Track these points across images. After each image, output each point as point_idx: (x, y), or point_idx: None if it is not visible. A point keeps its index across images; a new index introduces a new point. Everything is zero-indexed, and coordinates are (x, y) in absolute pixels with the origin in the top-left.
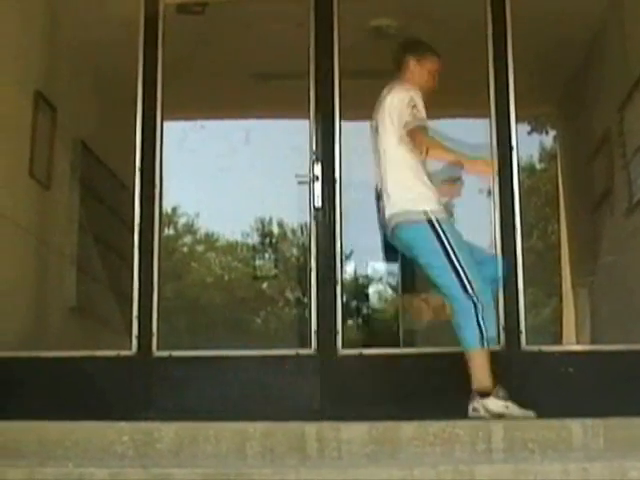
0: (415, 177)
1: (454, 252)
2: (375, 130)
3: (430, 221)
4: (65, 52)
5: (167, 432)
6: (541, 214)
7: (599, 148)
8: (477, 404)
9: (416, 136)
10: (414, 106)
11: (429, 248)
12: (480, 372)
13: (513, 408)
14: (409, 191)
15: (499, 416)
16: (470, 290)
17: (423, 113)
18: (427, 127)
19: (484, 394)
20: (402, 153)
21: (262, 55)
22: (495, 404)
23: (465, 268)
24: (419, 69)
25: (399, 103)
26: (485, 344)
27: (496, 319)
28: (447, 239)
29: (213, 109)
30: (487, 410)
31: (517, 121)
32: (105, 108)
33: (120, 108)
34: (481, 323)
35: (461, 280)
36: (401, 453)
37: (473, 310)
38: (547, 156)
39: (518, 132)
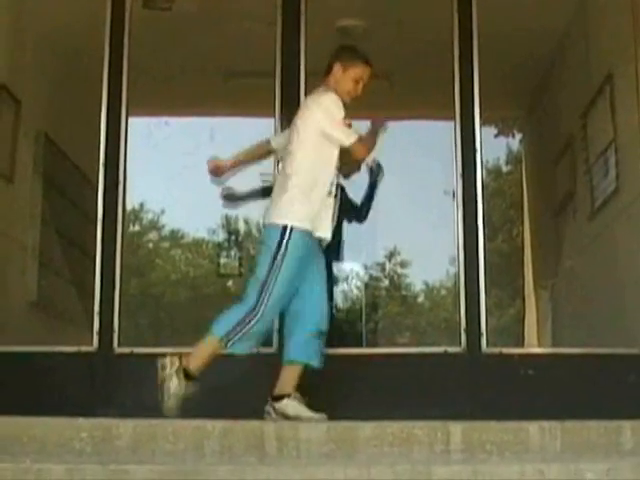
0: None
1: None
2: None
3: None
4: (30, 46)
5: (125, 429)
6: (506, 216)
7: (563, 152)
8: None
9: (363, 148)
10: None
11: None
12: (198, 353)
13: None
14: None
15: (293, 418)
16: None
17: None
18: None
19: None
20: (311, 161)
21: (229, 53)
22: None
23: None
24: (342, 75)
25: (324, 114)
26: (224, 344)
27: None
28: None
29: (178, 106)
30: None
31: (481, 124)
32: (70, 102)
33: (85, 103)
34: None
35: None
36: (359, 453)
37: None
38: (513, 159)
39: (484, 135)
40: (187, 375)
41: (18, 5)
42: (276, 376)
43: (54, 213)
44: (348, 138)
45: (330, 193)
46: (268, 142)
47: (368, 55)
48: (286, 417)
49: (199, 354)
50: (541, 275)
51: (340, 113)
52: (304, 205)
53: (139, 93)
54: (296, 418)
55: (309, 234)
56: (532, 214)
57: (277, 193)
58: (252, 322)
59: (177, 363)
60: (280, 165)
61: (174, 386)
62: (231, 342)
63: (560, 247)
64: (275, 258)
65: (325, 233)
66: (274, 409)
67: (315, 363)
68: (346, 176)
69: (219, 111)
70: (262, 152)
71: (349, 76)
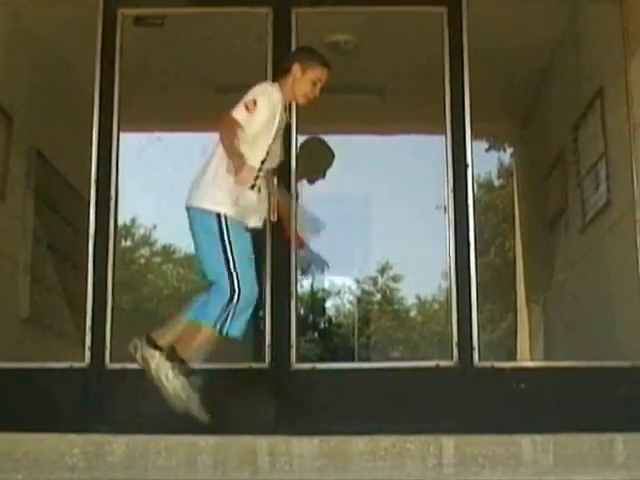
0: None
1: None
2: None
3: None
4: (22, 63)
5: (118, 445)
6: (498, 230)
7: (554, 166)
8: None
9: (227, 125)
10: (255, 103)
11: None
12: (193, 345)
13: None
14: None
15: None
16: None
17: (261, 115)
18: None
19: (172, 358)
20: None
21: (220, 68)
22: (169, 371)
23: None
24: (301, 77)
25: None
26: (218, 330)
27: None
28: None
29: (170, 122)
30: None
31: (473, 138)
32: (62, 118)
33: (77, 119)
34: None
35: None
36: (352, 467)
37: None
38: (504, 173)
39: (475, 149)
40: (173, 359)
41: (9, 21)
42: (270, 392)
43: (46, 229)
44: (235, 111)
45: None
46: None
47: (326, 57)
48: (146, 368)
49: (194, 346)
50: (533, 289)
51: (250, 97)
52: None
53: (131, 109)
54: (153, 378)
55: None
56: (524, 228)
57: None
58: (234, 302)
59: (166, 361)
60: None
61: (177, 385)
62: (225, 327)
63: (552, 261)
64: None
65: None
66: (141, 349)
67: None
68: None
69: (211, 126)
70: None
71: (308, 78)
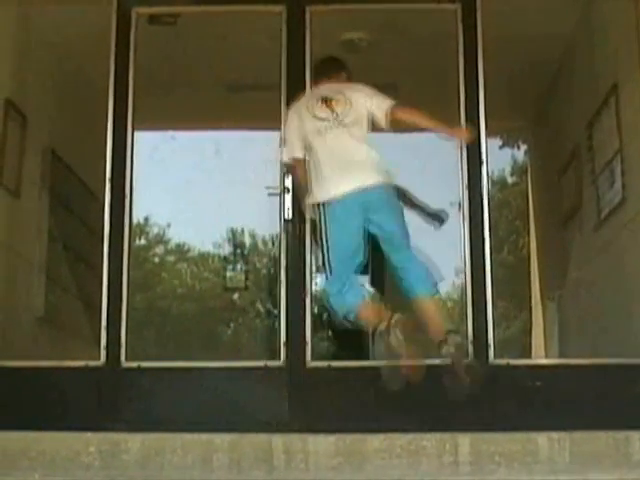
0: None
1: None
2: None
3: None
4: (36, 61)
5: (134, 443)
6: (512, 228)
7: (569, 163)
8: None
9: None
10: None
11: None
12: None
13: None
14: None
15: None
16: None
17: None
18: None
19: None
20: None
21: (234, 67)
22: None
23: None
24: None
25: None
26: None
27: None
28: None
29: (184, 120)
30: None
31: (487, 135)
32: (77, 117)
33: (92, 118)
34: None
35: None
36: (368, 465)
37: None
38: (518, 170)
39: (489, 147)
40: None
41: (24, 20)
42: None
43: (61, 228)
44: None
45: None
46: None
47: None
48: None
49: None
50: (548, 286)
51: None
52: None
53: (145, 107)
54: None
55: None
56: (538, 225)
57: None
58: None
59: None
60: None
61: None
62: None
63: (567, 258)
64: None
65: None
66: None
67: None
68: None
69: (225, 124)
70: None
71: None
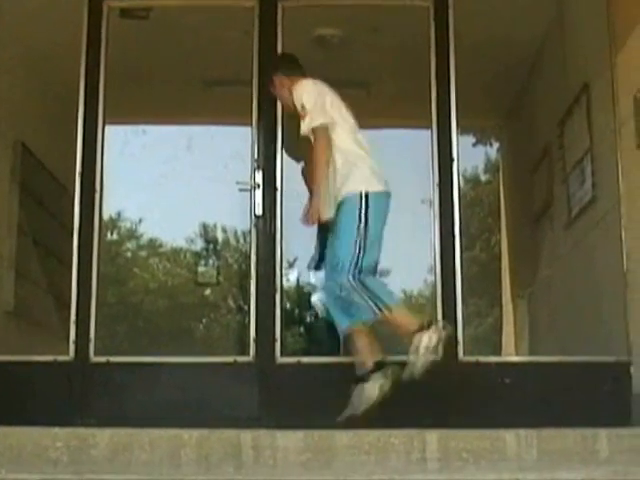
0: None
1: None
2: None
3: None
4: (6, 55)
5: (102, 438)
6: (483, 225)
7: (540, 161)
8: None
9: None
10: None
11: None
12: None
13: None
14: None
15: None
16: None
17: None
18: None
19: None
20: None
21: (206, 61)
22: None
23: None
24: None
25: None
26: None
27: None
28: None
29: (156, 115)
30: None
31: (459, 133)
32: (47, 111)
33: (62, 111)
34: None
35: None
36: (336, 462)
37: None
38: (490, 168)
39: (461, 144)
40: None
41: None
42: (255, 386)
43: (31, 222)
44: None
45: None
46: None
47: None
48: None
49: None
50: (518, 284)
51: None
52: None
53: (116, 101)
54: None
55: None
56: (509, 223)
57: None
58: None
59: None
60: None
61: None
62: None
63: (537, 256)
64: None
65: None
66: None
67: None
68: None
69: (197, 119)
70: None
71: None
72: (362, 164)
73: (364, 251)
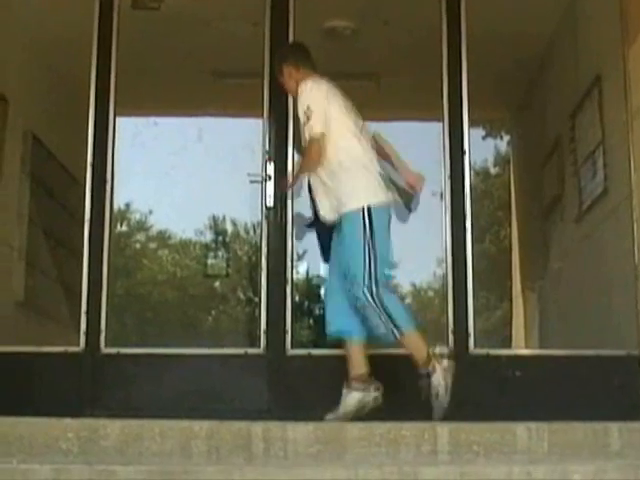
0: None
1: None
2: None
3: None
4: (18, 45)
5: (112, 429)
6: (494, 218)
7: (551, 154)
8: None
9: None
10: None
11: None
12: None
13: None
14: None
15: None
16: None
17: None
18: None
19: None
20: None
21: (217, 53)
22: None
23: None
24: None
25: None
26: None
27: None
28: None
29: (167, 106)
30: None
31: (470, 126)
32: (58, 102)
33: (73, 102)
34: None
35: None
36: (346, 453)
37: None
38: (501, 161)
39: (472, 137)
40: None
41: (5, 5)
42: (265, 378)
43: (42, 213)
44: None
45: None
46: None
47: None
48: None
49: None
50: (529, 277)
51: None
52: None
53: (127, 93)
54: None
55: None
56: (520, 216)
57: None
58: None
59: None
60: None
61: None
62: None
63: (548, 249)
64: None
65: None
66: None
67: None
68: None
69: (207, 111)
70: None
71: None
72: (367, 172)
73: (375, 262)
